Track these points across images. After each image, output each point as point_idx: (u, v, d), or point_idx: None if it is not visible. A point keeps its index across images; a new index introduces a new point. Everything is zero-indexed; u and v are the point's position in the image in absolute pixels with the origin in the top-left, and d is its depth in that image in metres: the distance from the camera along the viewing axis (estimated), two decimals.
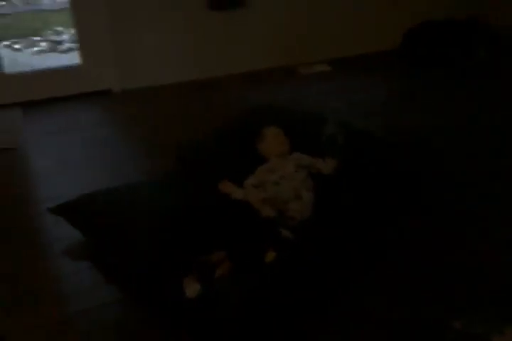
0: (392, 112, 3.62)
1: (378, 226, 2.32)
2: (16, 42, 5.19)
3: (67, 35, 5.29)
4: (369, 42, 4.57)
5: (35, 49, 5.12)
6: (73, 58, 4.16)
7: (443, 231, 2.39)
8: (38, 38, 5.33)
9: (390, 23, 4.57)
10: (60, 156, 3.13)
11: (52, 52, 5.07)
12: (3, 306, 2.05)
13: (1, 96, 3.71)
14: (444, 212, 2.51)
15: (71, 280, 2.20)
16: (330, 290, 2.04)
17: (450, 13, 4.50)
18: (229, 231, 2.10)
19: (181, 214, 2.22)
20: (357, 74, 4.28)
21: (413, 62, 4.41)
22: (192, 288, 1.91)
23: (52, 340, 1.91)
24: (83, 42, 3.85)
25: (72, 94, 3.87)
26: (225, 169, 2.51)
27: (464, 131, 3.33)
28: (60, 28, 5.55)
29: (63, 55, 4.90)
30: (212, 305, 1.85)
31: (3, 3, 5.78)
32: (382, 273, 2.14)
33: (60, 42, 5.19)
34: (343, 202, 2.28)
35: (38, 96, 3.80)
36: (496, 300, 2.02)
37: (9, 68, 4.03)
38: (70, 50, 4.87)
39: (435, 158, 2.88)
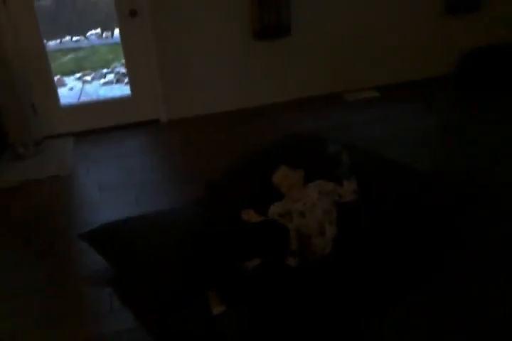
0: (439, 145, 3.51)
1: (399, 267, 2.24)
2: (86, 74, 5.56)
3: None
4: (421, 68, 4.48)
5: (103, 80, 5.44)
6: None
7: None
8: (107, 70, 5.68)
9: (444, 48, 4.46)
10: (105, 182, 3.32)
11: (119, 84, 5.36)
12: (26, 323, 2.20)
13: (56, 127, 3.97)
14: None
15: (91, 305, 2.33)
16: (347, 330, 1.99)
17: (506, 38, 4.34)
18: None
19: (203, 241, 2.30)
20: (406, 101, 4.20)
21: (468, 86, 4.26)
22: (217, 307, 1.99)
23: None
24: (132, 75, 4.07)
25: (122, 123, 4.08)
26: (249, 199, 2.56)
27: None
28: None
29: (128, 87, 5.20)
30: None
31: (82, 37, 6.22)
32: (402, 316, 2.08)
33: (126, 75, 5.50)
34: (364, 237, 2.26)
35: (89, 126, 4.03)
36: None
37: (75, 98, 4.29)
38: None
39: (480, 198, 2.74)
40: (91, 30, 5.92)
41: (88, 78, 5.52)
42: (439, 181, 2.66)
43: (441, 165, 3.18)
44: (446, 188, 2.62)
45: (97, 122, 4.05)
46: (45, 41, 3.83)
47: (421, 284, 2.20)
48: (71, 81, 5.39)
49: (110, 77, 5.50)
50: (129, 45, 3.95)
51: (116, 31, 5.37)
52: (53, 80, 3.96)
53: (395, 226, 2.30)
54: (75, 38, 5.89)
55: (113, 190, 3.22)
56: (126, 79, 5.33)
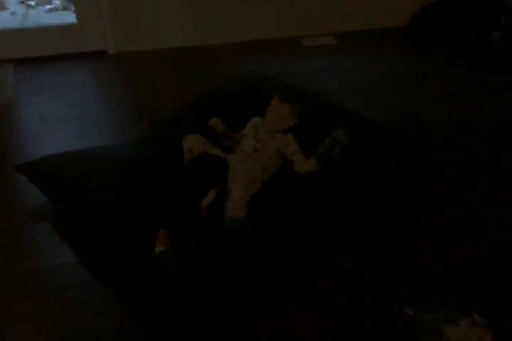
0: (389, 94, 3.51)
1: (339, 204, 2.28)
2: None
3: None
4: (380, 17, 4.41)
5: (48, 7, 5.10)
6: None
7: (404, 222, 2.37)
8: None
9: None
10: (47, 114, 3.17)
11: (66, 11, 5.04)
12: None
13: None
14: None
15: (29, 240, 2.27)
16: (283, 269, 2.05)
17: None
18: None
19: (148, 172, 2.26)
20: (363, 49, 4.15)
21: (423, 41, 4.24)
22: (161, 246, 1.96)
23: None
24: (79, 1, 3.83)
25: (67, 53, 3.85)
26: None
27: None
28: None
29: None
30: (152, 273, 1.87)
31: None
32: (336, 258, 2.16)
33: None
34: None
35: (31, 53, 3.79)
36: (453, 290, 2.03)
37: (17, 23, 4.04)
38: None
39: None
40: None
41: (32, 3, 5.16)
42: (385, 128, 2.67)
43: (387, 114, 3.20)
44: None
45: (40, 50, 3.80)
46: None
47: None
48: (13, 5, 5.02)
49: (56, 3, 5.16)
50: None
51: None
52: None
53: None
54: None
55: (55, 123, 3.09)
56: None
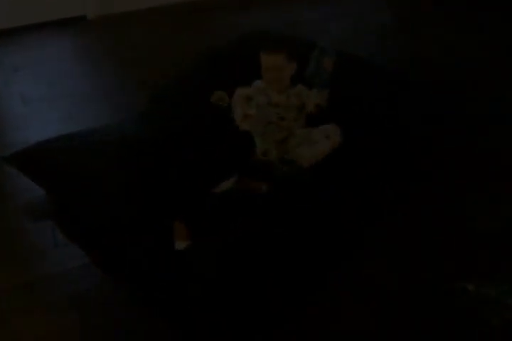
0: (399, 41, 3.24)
1: (376, 186, 2.03)
2: None
3: None
4: None
5: None
6: None
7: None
8: None
9: None
10: (29, 94, 2.86)
11: None
12: None
13: None
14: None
15: (31, 242, 2.03)
16: (328, 255, 1.85)
17: None
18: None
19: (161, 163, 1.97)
20: None
21: None
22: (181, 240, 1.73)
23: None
24: None
25: (41, 21, 3.48)
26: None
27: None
28: None
29: None
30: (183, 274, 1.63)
31: None
32: (383, 236, 1.98)
33: None
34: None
35: (4, 24, 3.43)
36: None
37: None
38: None
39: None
40: None
41: None
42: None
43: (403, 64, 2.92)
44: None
45: (11, 20, 3.42)
46: None
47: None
48: None
49: None
50: None
51: None
52: None
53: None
54: None
55: (40, 104, 2.79)
56: None
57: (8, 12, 3.42)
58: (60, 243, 1.96)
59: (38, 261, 1.94)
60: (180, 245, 1.73)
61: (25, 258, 1.96)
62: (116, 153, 2.04)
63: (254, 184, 1.93)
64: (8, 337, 1.69)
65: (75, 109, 2.73)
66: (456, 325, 1.69)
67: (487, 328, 1.67)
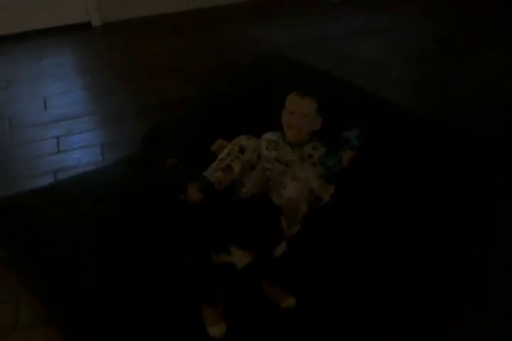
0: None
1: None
2: None
3: None
4: None
5: None
6: None
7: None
8: None
9: None
10: (19, 117, 2.70)
11: None
12: None
13: None
14: None
15: None
16: None
17: None
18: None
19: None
20: (399, 7, 3.43)
21: None
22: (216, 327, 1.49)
23: None
24: None
25: (43, 28, 3.41)
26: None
27: None
28: None
29: None
30: None
31: None
32: None
33: None
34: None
35: (9, 30, 3.37)
36: None
37: None
38: None
39: None
40: None
41: None
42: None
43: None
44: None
45: (12, 26, 3.35)
46: None
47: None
48: None
49: None
50: None
51: None
52: None
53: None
54: None
55: (30, 128, 2.61)
56: None
57: (5, 17, 3.33)
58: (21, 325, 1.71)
59: None
60: (215, 331, 1.48)
61: None
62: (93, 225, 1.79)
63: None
64: None
65: (65, 138, 2.55)
66: None
67: None
